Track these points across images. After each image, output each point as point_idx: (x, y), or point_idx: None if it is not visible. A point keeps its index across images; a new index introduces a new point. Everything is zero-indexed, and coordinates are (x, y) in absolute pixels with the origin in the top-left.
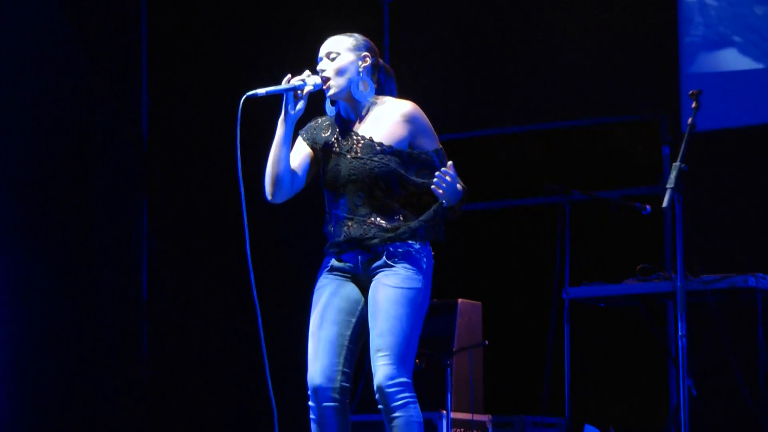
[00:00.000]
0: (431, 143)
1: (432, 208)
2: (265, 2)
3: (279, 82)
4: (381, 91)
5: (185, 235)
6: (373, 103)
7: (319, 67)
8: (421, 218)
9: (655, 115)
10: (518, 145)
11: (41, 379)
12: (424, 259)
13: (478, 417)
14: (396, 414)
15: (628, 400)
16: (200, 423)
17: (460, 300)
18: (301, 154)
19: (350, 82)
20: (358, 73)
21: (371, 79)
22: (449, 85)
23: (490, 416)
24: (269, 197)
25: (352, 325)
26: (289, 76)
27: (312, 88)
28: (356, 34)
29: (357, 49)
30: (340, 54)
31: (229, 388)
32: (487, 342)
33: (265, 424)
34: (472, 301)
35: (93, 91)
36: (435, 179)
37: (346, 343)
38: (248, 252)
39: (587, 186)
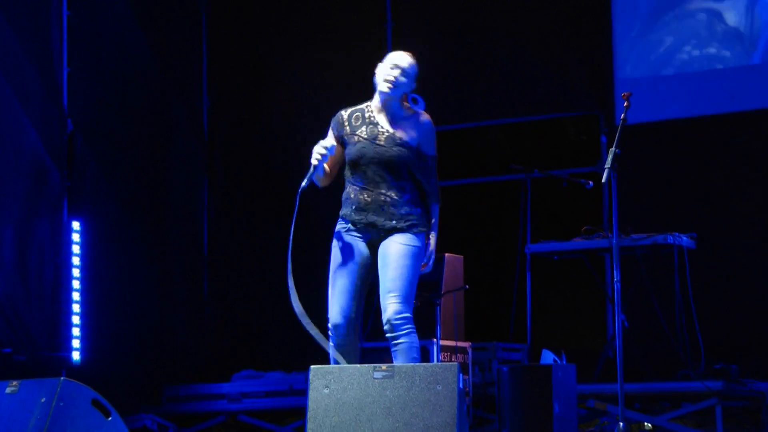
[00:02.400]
0: (431, 148)
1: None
2: (293, 9)
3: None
4: (407, 100)
5: (237, 206)
6: (404, 110)
7: (388, 71)
8: (421, 220)
9: (595, 111)
10: (490, 135)
11: (129, 315)
12: (423, 221)
13: (460, 343)
14: (401, 340)
15: (575, 330)
16: (248, 348)
17: (446, 254)
18: (336, 153)
19: (398, 95)
20: (407, 89)
21: (407, 97)
22: (435, 87)
23: (470, 343)
24: (320, 187)
25: (363, 275)
26: (313, 158)
27: (330, 154)
28: (417, 63)
29: (414, 75)
30: (407, 75)
31: (268, 318)
32: (467, 286)
33: (298, 344)
34: (456, 255)
35: (166, 96)
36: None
37: (358, 290)
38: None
39: (543, 166)
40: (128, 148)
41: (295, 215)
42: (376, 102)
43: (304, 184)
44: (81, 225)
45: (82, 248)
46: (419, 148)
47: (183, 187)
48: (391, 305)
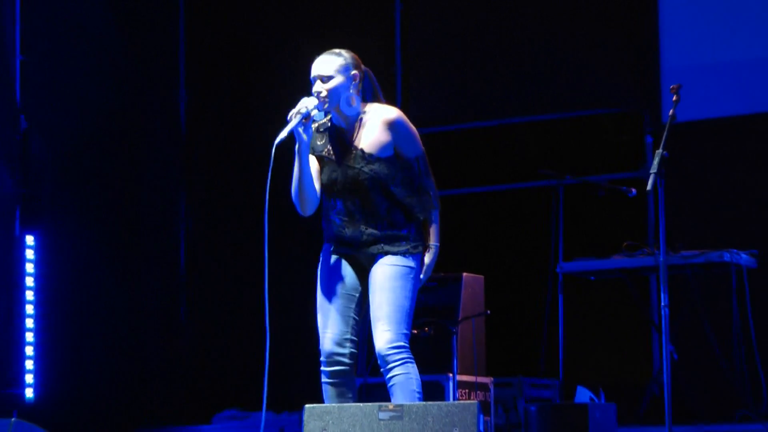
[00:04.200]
0: (413, 149)
1: (417, 245)
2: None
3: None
4: (365, 95)
5: (220, 215)
6: (361, 112)
7: (314, 89)
8: (414, 240)
9: (639, 106)
10: (516, 134)
11: (92, 343)
12: (415, 242)
13: (481, 379)
14: (395, 373)
15: (615, 363)
16: (231, 381)
17: (464, 273)
18: (312, 166)
19: (341, 99)
20: (348, 90)
21: (357, 93)
22: (453, 81)
23: (492, 378)
24: (303, 213)
25: (356, 299)
26: (293, 111)
27: (316, 111)
28: (343, 53)
29: (347, 69)
30: (333, 77)
31: (255, 349)
32: (489, 311)
33: (288, 381)
34: (475, 275)
35: (137, 88)
36: None
37: (351, 314)
38: (266, 238)
39: (578, 171)
40: (93, 149)
41: (270, 172)
42: (334, 115)
43: (280, 137)
44: (36, 239)
45: (37, 267)
46: (399, 154)
47: (157, 194)
48: (380, 335)
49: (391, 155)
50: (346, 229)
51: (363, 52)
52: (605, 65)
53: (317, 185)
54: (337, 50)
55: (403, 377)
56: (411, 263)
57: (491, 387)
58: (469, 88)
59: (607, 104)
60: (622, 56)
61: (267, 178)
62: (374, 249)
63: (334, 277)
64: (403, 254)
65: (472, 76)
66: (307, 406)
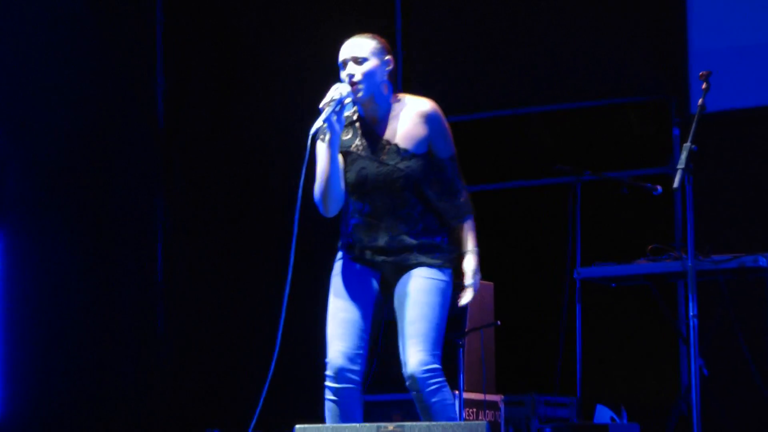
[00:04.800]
0: (447, 147)
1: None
2: None
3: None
4: (392, 89)
5: (201, 217)
6: (393, 102)
7: (347, 72)
8: (447, 249)
9: (665, 95)
10: (528, 126)
11: (62, 357)
12: (449, 253)
13: (490, 397)
14: (433, 399)
15: (639, 379)
16: (214, 401)
17: None
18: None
19: (375, 86)
20: (383, 77)
21: (389, 81)
22: (460, 66)
23: (503, 396)
24: (326, 214)
25: (371, 310)
26: (325, 101)
27: (350, 99)
28: (378, 37)
29: (381, 53)
30: (368, 59)
31: (242, 367)
32: (499, 322)
33: (279, 400)
34: (484, 282)
35: (108, 74)
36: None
37: (365, 326)
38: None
39: (597, 167)
40: (61, 143)
41: (305, 163)
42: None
43: (315, 128)
44: None
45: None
46: (432, 151)
47: (132, 193)
48: (413, 355)
49: (425, 152)
50: (373, 234)
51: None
52: (627, 49)
53: (342, 183)
54: (368, 34)
55: (440, 405)
56: (446, 277)
57: (501, 406)
58: (478, 76)
59: (630, 92)
60: (646, 39)
61: (301, 173)
62: (406, 258)
63: (352, 286)
64: (439, 267)
65: (480, 62)
66: (297, 426)
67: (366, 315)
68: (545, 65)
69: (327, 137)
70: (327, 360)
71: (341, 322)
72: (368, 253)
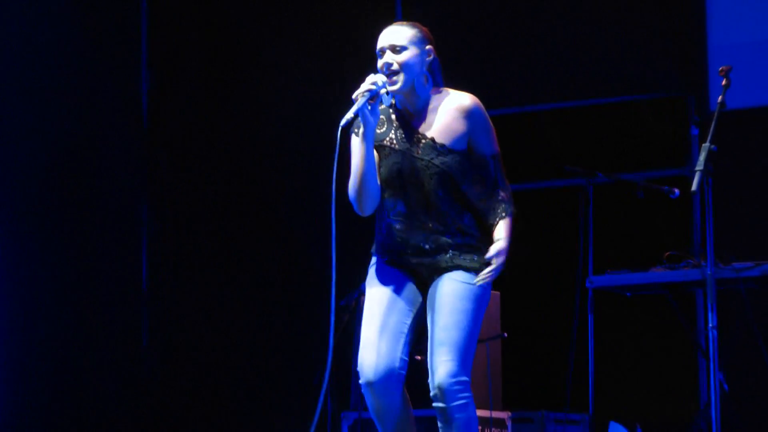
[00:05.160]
0: (489, 145)
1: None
2: None
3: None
4: (435, 78)
5: (187, 222)
6: (432, 95)
7: (383, 60)
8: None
9: (683, 92)
10: (537, 124)
11: (41, 371)
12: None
13: (496, 414)
14: (457, 415)
15: (655, 395)
16: (201, 417)
17: None
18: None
19: (415, 76)
20: (422, 67)
21: (429, 73)
22: (464, 61)
23: (510, 413)
24: (362, 212)
25: (411, 314)
26: (358, 91)
27: (386, 90)
28: (417, 25)
29: (422, 42)
30: (407, 48)
31: (230, 382)
32: (505, 334)
33: (267, 416)
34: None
35: (89, 71)
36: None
37: (405, 330)
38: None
39: (611, 168)
40: (40, 145)
41: (336, 156)
42: (399, 98)
43: (346, 118)
44: None
45: None
46: (473, 147)
47: (114, 196)
48: (442, 364)
49: (464, 149)
50: (407, 234)
51: (357, 29)
52: (642, 42)
53: (378, 179)
54: (409, 22)
55: (464, 421)
56: (486, 283)
57: (509, 423)
58: (482, 71)
59: (645, 89)
60: (663, 32)
61: (333, 167)
62: (442, 260)
63: (386, 287)
64: (477, 271)
65: (485, 58)
66: None
67: (406, 317)
68: (554, 60)
69: (361, 130)
70: (359, 368)
71: (378, 326)
72: (403, 255)
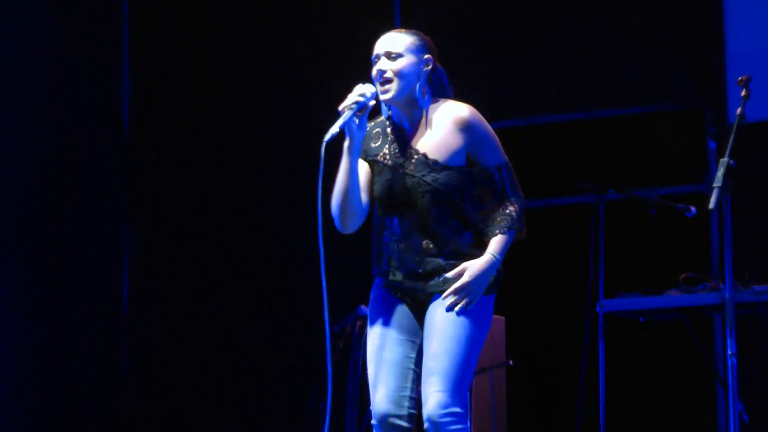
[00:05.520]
0: (492, 156)
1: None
2: None
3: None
4: (434, 93)
5: (172, 240)
6: (429, 107)
7: (378, 67)
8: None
9: (699, 103)
10: (544, 137)
11: (15, 399)
12: (492, 281)
13: None
14: None
15: (671, 426)
16: None
17: None
18: (361, 171)
19: (410, 87)
20: (419, 77)
21: (428, 84)
22: (466, 70)
23: None
24: (344, 229)
25: (416, 346)
26: (345, 104)
27: (373, 101)
28: (418, 33)
29: (420, 50)
30: (402, 55)
31: (215, 407)
32: (511, 362)
33: None
34: (494, 316)
35: (68, 78)
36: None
37: (411, 365)
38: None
39: (623, 184)
40: (14, 156)
41: (321, 173)
42: (395, 111)
43: (330, 133)
44: None
45: None
46: (474, 161)
47: (94, 211)
48: (433, 395)
49: (462, 164)
50: (401, 255)
51: (353, 37)
52: (656, 51)
53: (364, 196)
54: (410, 29)
55: None
56: (482, 307)
57: None
58: (486, 80)
59: (659, 100)
60: (678, 40)
61: (318, 184)
62: (434, 284)
63: (389, 319)
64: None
65: (489, 65)
66: None
67: (411, 351)
68: (562, 68)
69: (346, 143)
70: (371, 407)
71: (383, 361)
72: (399, 278)
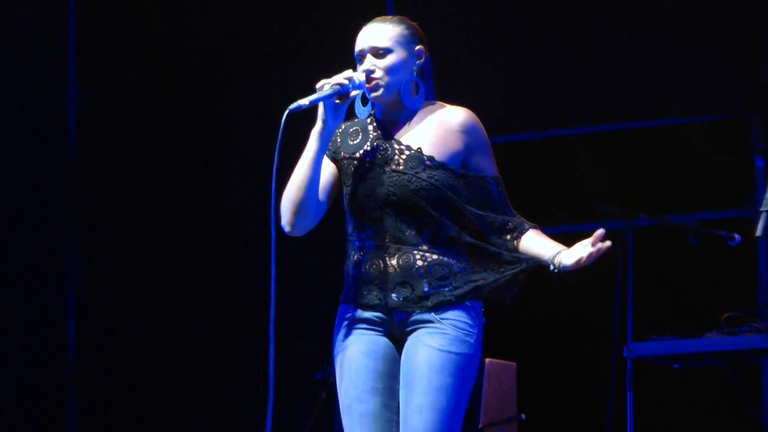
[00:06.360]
0: (489, 166)
1: (513, 270)
2: None
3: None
4: (426, 91)
5: (125, 274)
6: (421, 106)
7: (363, 68)
8: (490, 278)
9: (744, 113)
10: (563, 153)
11: None
12: (476, 313)
13: None
14: None
15: None
16: None
17: (488, 359)
18: (324, 171)
19: (401, 83)
20: (411, 73)
21: (420, 79)
22: (472, 76)
23: None
24: (288, 228)
25: (395, 392)
26: (326, 81)
27: (359, 91)
28: (404, 20)
29: (410, 41)
30: (392, 50)
31: None
32: (523, 416)
33: None
34: (503, 362)
35: (5, 82)
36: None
37: (393, 415)
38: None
39: (655, 208)
40: None
41: (279, 142)
42: (380, 107)
43: (298, 103)
44: None
45: None
46: (469, 171)
47: (35, 242)
48: None
49: (457, 168)
50: (379, 274)
51: (339, 34)
52: (694, 54)
53: (322, 196)
54: (395, 17)
55: None
56: (469, 347)
57: None
58: (494, 88)
59: (698, 110)
60: (719, 43)
61: (276, 151)
62: (419, 311)
63: (360, 362)
64: (465, 328)
65: (500, 69)
66: None
67: (390, 399)
68: (584, 73)
69: (316, 128)
70: None
71: (359, 415)
72: (374, 304)
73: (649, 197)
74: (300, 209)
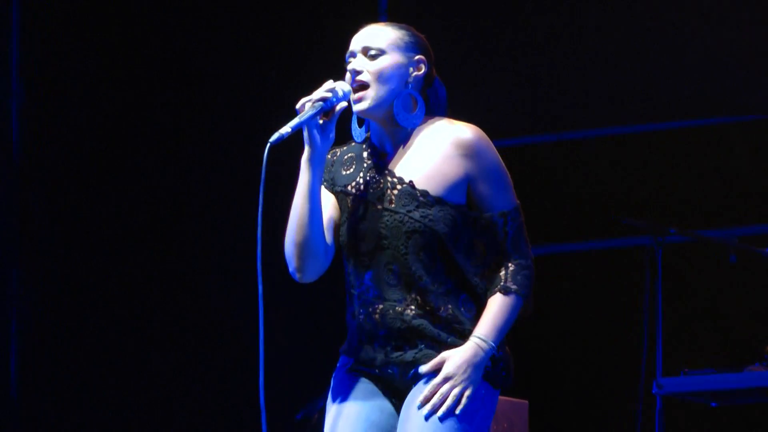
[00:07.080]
0: (499, 196)
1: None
2: None
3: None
4: (428, 110)
5: (76, 301)
6: (420, 125)
7: (351, 67)
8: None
9: None
10: (582, 158)
11: None
12: (495, 360)
13: None
14: None
15: None
16: None
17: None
18: (326, 204)
19: (393, 95)
20: (407, 84)
21: (421, 95)
22: (479, 74)
23: None
24: (299, 275)
25: None
26: (307, 98)
27: (345, 103)
28: (409, 28)
29: (410, 48)
30: (385, 52)
31: None
32: None
33: None
34: (515, 400)
35: None
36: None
37: None
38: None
39: (688, 222)
40: None
41: (263, 177)
42: (375, 129)
43: (279, 133)
44: None
45: None
46: (474, 201)
47: None
48: None
49: (461, 203)
50: (376, 321)
51: (327, 39)
52: (730, 49)
53: (329, 235)
54: (398, 23)
55: None
56: (478, 396)
57: None
58: (501, 84)
59: (735, 110)
60: (757, 33)
61: (260, 189)
62: (420, 364)
63: (356, 415)
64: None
65: (505, 72)
66: None
67: None
68: (604, 71)
69: (304, 156)
70: None
71: None
72: (371, 355)
73: (682, 209)
74: (306, 250)
